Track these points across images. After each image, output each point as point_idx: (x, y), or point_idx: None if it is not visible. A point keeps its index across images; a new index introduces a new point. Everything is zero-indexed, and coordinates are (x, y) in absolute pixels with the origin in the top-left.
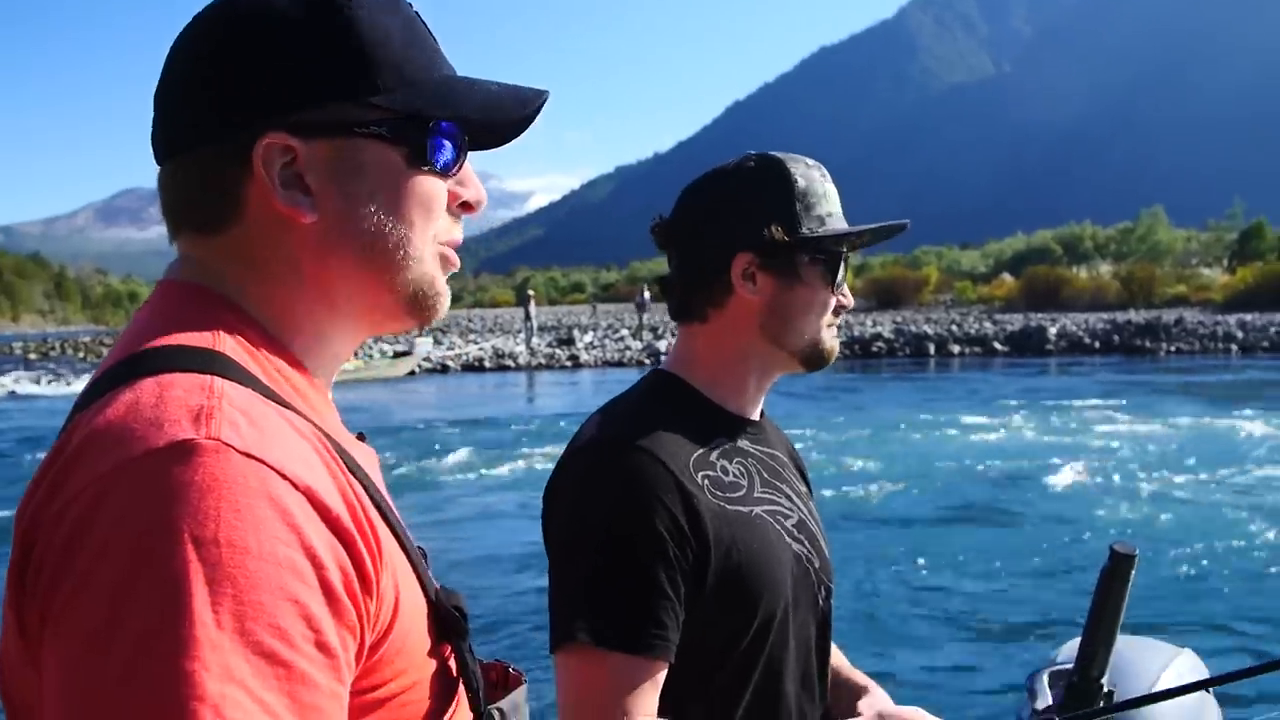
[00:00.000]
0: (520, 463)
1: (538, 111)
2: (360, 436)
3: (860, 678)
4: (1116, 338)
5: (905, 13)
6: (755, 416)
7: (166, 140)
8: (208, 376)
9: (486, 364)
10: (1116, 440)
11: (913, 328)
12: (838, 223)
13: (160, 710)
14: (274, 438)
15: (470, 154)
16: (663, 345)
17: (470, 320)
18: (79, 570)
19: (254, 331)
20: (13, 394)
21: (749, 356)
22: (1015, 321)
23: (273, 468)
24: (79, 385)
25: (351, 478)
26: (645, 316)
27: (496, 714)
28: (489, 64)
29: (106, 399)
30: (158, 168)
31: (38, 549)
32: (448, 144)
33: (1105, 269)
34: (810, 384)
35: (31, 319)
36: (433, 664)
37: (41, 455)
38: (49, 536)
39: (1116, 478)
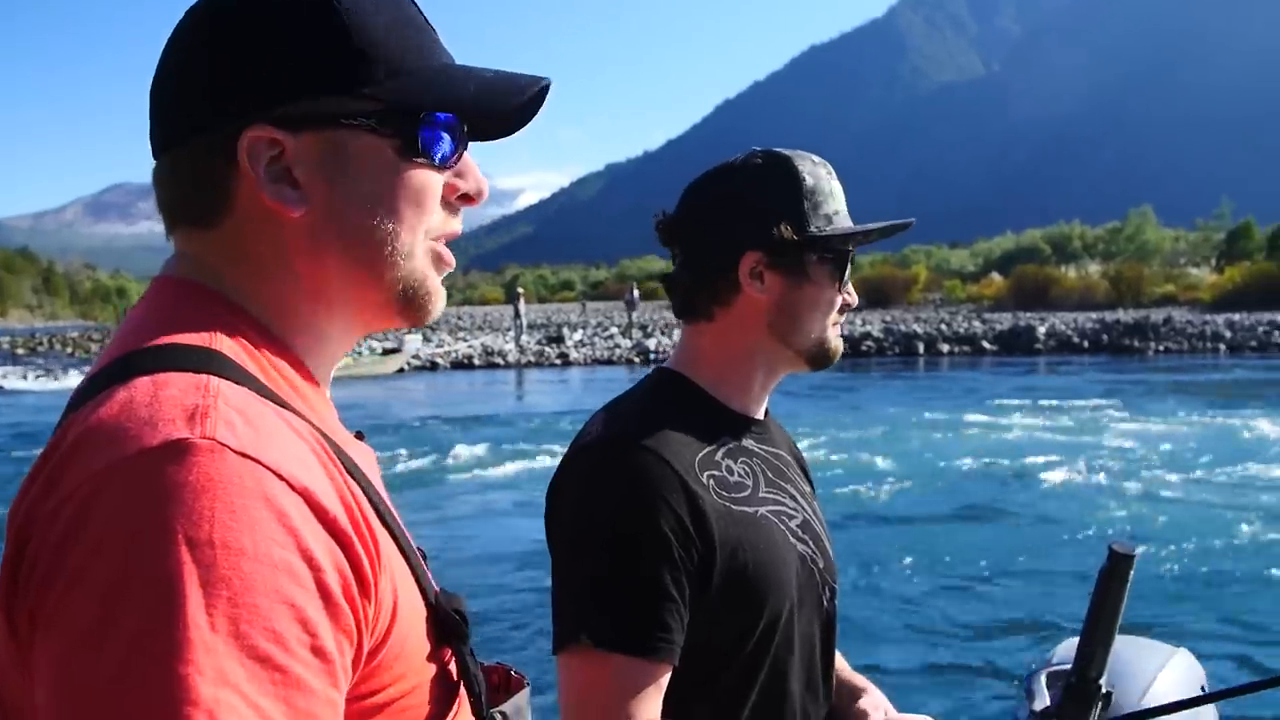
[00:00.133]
0: (514, 460)
1: (538, 99)
2: (359, 435)
3: (858, 679)
4: (1105, 337)
5: (895, 12)
6: (760, 416)
7: (159, 135)
8: (203, 375)
9: (476, 361)
10: (1110, 439)
11: (902, 327)
12: (844, 221)
13: (152, 714)
14: (270, 437)
15: (474, 145)
16: (652, 343)
17: (459, 318)
18: (72, 568)
19: (251, 329)
20: (0, 389)
21: (755, 355)
22: (1004, 321)
23: (269, 468)
24: (67, 381)
25: (349, 478)
26: (634, 314)
27: (499, 718)
28: (479, 62)
29: (101, 397)
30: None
31: (31, 546)
32: (444, 135)
33: (1094, 268)
34: (800, 384)
35: (19, 314)
36: (433, 668)
37: (29, 451)
38: (43, 534)
39: (1110, 477)
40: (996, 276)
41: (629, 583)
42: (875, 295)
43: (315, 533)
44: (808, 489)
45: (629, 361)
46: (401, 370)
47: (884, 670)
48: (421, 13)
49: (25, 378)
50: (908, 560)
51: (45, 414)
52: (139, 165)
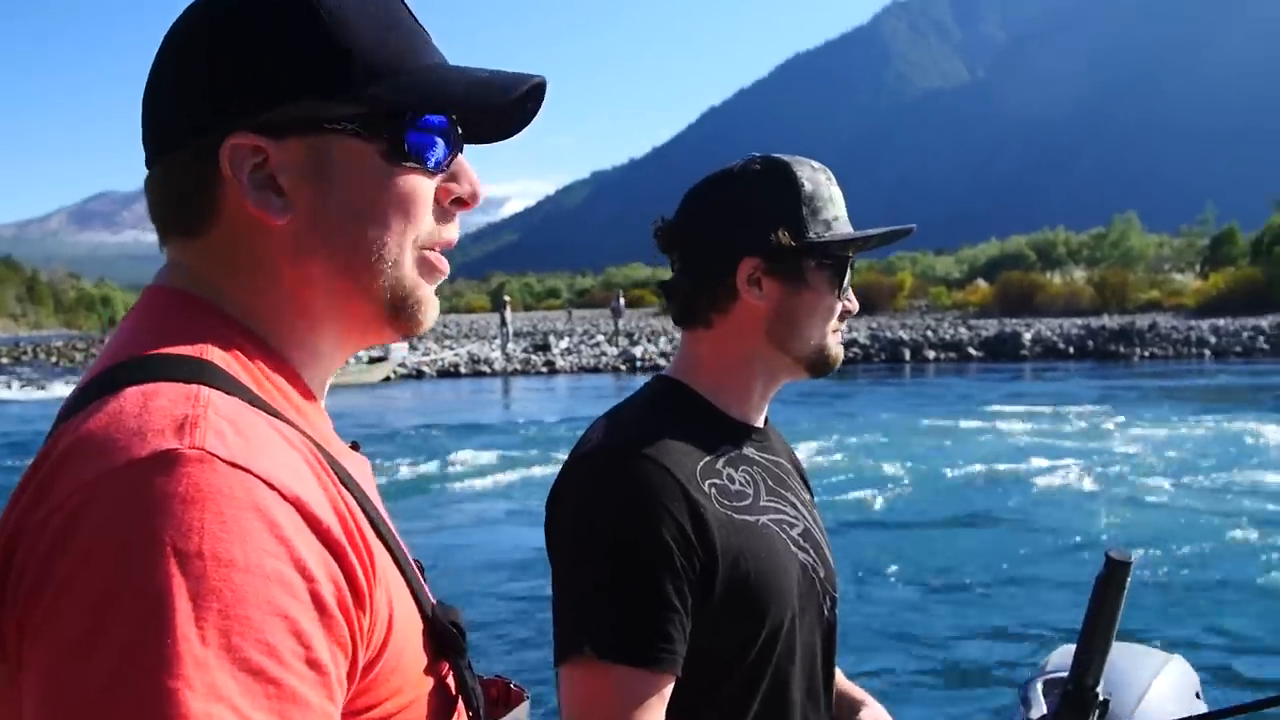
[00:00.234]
0: (505, 468)
1: (533, 98)
2: (354, 446)
3: (857, 691)
4: (1091, 343)
5: (880, 19)
6: (760, 424)
7: (149, 144)
8: (193, 385)
9: (462, 370)
10: (1100, 446)
11: (888, 333)
12: (844, 226)
13: None
14: (261, 447)
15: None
16: (638, 351)
17: (445, 325)
18: (60, 577)
19: (243, 338)
20: None
21: (754, 362)
22: (990, 327)
23: (260, 478)
24: (52, 390)
25: (343, 489)
26: (620, 322)
27: None
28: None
29: (91, 408)
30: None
31: (19, 555)
32: (435, 138)
33: (1079, 274)
34: (788, 390)
35: (3, 323)
36: (430, 682)
37: (15, 461)
38: (32, 543)
39: (1100, 483)
40: (982, 283)
41: (631, 592)
42: (861, 302)
43: (308, 543)
44: (807, 497)
45: (615, 369)
46: (388, 379)
47: (878, 678)
48: (412, 14)
49: (10, 387)
50: (900, 568)
51: (31, 423)
52: (123, 174)
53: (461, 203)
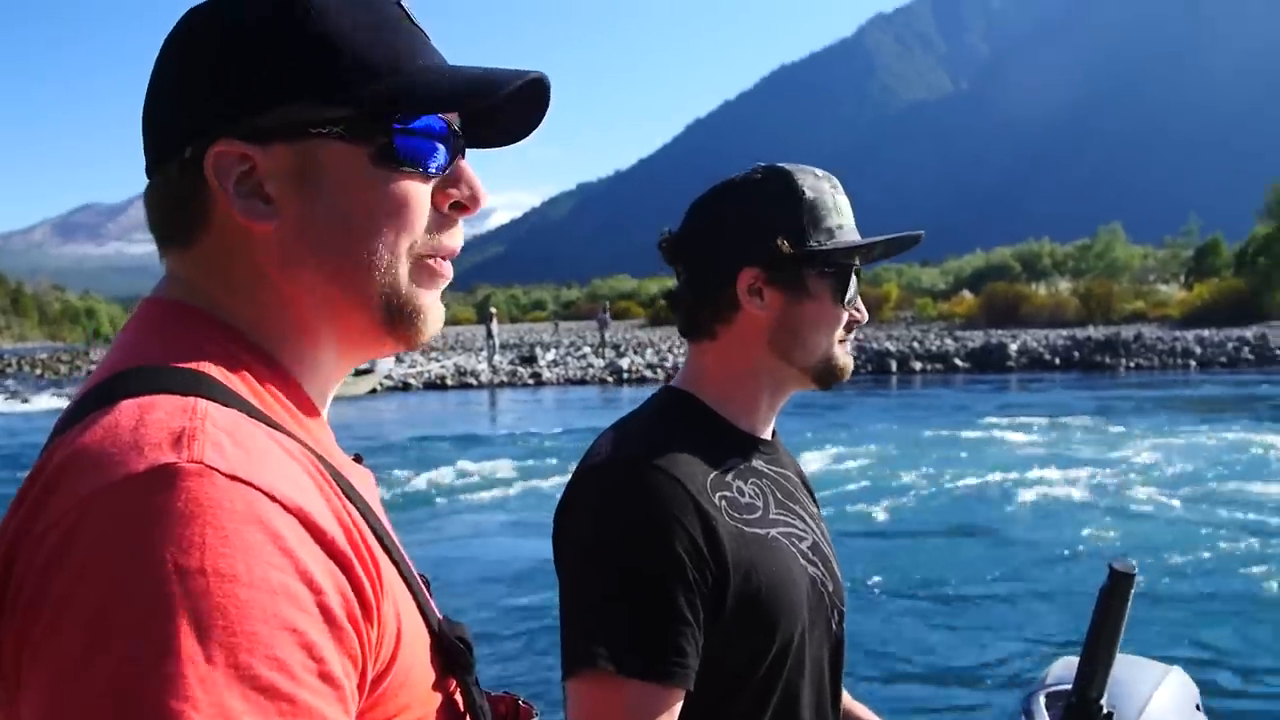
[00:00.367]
0: (496, 480)
1: (533, 96)
2: (357, 458)
3: (861, 710)
4: (1077, 354)
5: (864, 31)
6: (768, 436)
7: (147, 154)
8: (190, 398)
9: (449, 382)
10: (1090, 456)
11: (874, 345)
12: (849, 235)
13: None
14: (262, 459)
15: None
16: (625, 363)
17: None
18: (57, 595)
19: (242, 349)
20: None
21: (759, 374)
22: (976, 338)
23: (261, 490)
24: (37, 403)
25: (346, 501)
26: (607, 334)
27: None
28: None
29: (87, 420)
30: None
31: (16, 571)
32: (430, 141)
33: (1064, 285)
34: None
35: None
36: (438, 698)
37: (1, 472)
38: (28, 559)
39: (1092, 494)
40: (967, 294)
41: (644, 606)
42: None
43: (313, 554)
44: (815, 510)
45: (602, 381)
46: (374, 391)
47: (877, 691)
48: (408, 14)
49: None
50: (896, 579)
51: (17, 436)
52: (108, 186)
53: (462, 207)
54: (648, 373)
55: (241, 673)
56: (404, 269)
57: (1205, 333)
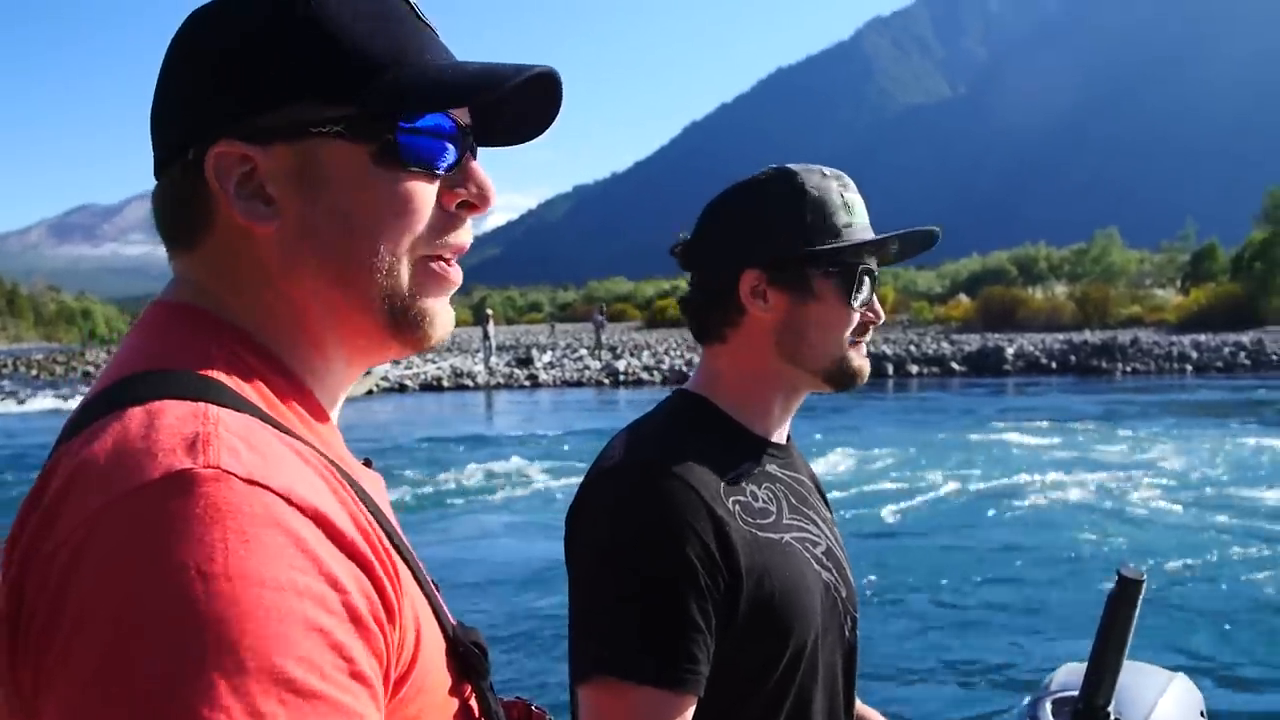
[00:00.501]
0: (500, 482)
1: (541, 91)
2: (366, 462)
3: (873, 715)
4: (1073, 358)
5: (861, 35)
6: (782, 439)
7: (155, 156)
8: (200, 403)
9: (445, 383)
10: (1096, 460)
11: (871, 348)
12: (859, 234)
13: None
14: (277, 463)
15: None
16: (621, 365)
17: None
18: (71, 615)
19: (249, 352)
20: None
21: (770, 377)
22: (972, 342)
23: (278, 493)
24: (32, 404)
25: (361, 504)
26: (603, 336)
27: None
28: None
29: (93, 429)
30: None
31: (29, 597)
32: (433, 139)
33: (1060, 290)
34: None
35: None
36: (454, 703)
37: None
38: (40, 582)
39: (1099, 498)
40: (964, 298)
41: (656, 612)
42: None
43: (334, 556)
44: (828, 515)
45: (599, 383)
46: (370, 393)
47: (883, 696)
48: (415, 9)
49: None
50: (897, 583)
51: (14, 438)
52: (104, 187)
53: (470, 206)
54: (644, 375)
55: (276, 676)
56: (407, 271)
57: (1202, 337)
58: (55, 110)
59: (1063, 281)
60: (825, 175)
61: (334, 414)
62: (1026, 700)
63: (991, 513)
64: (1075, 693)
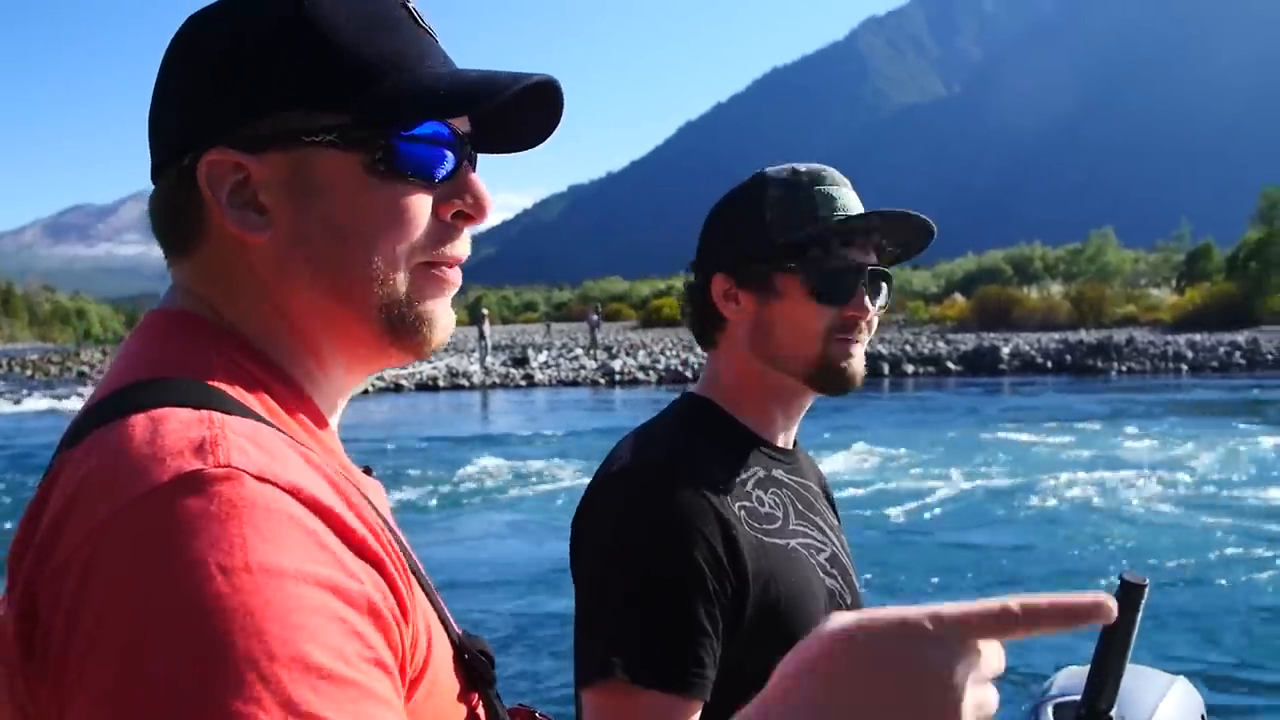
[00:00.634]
0: (498, 483)
1: (540, 100)
2: (366, 470)
3: None
4: (1069, 357)
5: (856, 34)
6: (788, 445)
7: (151, 162)
8: (204, 409)
9: (441, 383)
10: (1095, 460)
11: (866, 348)
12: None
13: None
14: (286, 462)
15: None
16: (617, 365)
17: None
18: (87, 627)
19: (248, 359)
20: None
21: (757, 380)
22: (968, 341)
23: (288, 490)
24: (28, 404)
25: (367, 507)
26: (599, 335)
27: None
28: None
29: (95, 437)
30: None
31: (42, 616)
32: (429, 148)
33: (1055, 289)
34: None
35: None
36: (462, 711)
37: None
38: (53, 598)
39: (1100, 499)
40: (959, 297)
41: (663, 615)
42: None
43: (346, 552)
44: (835, 521)
45: (594, 383)
46: (366, 392)
47: None
48: (414, 15)
49: None
50: (897, 584)
51: (10, 438)
52: (98, 187)
53: (466, 217)
54: (640, 374)
55: (305, 664)
56: (403, 280)
57: (1197, 337)
58: (50, 110)
59: (1058, 281)
60: (798, 171)
61: (334, 420)
62: (1027, 705)
63: (989, 513)
64: (1076, 697)
